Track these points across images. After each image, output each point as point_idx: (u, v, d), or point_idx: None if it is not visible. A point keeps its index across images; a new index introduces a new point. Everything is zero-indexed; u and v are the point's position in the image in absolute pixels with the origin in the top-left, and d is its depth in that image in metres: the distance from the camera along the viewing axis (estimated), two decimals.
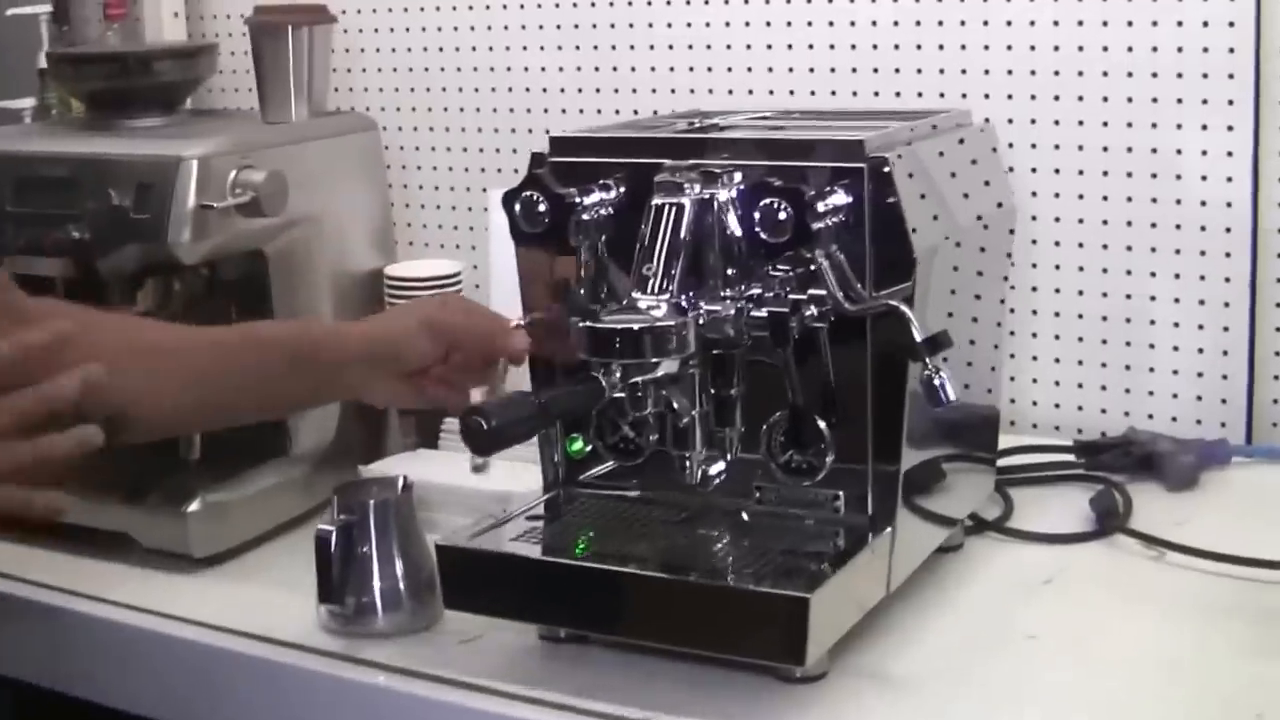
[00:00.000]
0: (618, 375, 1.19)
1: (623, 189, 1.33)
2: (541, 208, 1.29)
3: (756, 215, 1.20)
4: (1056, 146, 1.76)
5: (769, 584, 1.19)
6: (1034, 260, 1.79)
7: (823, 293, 1.25)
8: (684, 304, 1.23)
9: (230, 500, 1.59)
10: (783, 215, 1.19)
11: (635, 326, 1.19)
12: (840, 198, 1.23)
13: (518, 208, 1.30)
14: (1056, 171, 1.76)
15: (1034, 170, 1.77)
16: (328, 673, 1.33)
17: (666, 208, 1.25)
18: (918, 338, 1.18)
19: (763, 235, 1.20)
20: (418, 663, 1.31)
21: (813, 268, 1.24)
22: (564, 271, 1.34)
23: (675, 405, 1.25)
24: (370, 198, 1.82)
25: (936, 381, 1.18)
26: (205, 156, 1.54)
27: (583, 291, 1.30)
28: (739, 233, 1.25)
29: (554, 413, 1.16)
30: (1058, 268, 1.79)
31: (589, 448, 1.37)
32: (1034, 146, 1.76)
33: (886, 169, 1.24)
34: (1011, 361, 1.76)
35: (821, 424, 1.28)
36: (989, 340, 1.48)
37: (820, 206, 1.20)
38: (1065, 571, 1.44)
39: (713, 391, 1.31)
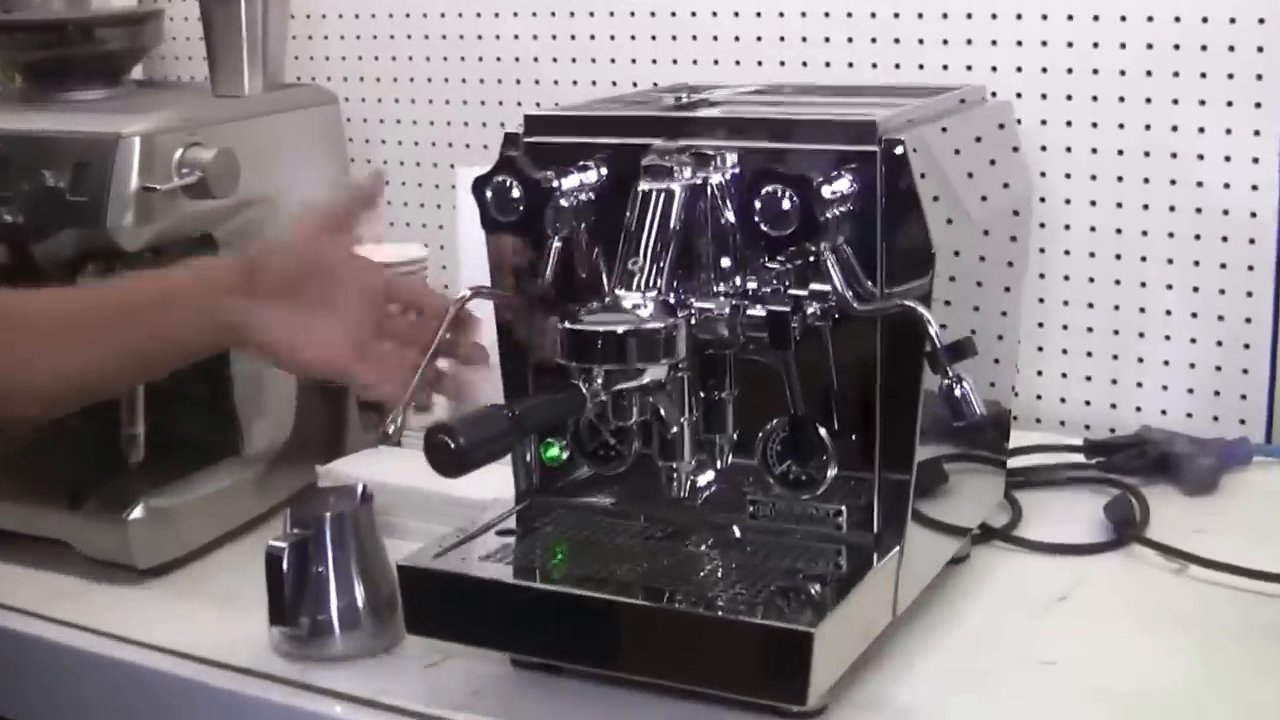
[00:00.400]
0: (599, 382, 1.07)
1: (604, 171, 1.21)
2: (515, 194, 1.16)
3: (757, 204, 1.08)
4: (1068, 123, 1.64)
5: (766, 615, 1.08)
6: (1041, 244, 1.67)
7: (826, 288, 1.13)
8: (673, 302, 1.11)
9: (176, 505, 1.47)
10: (787, 204, 1.07)
11: (619, 329, 1.07)
12: (850, 184, 1.11)
13: (489, 194, 1.17)
14: (1068, 150, 1.65)
15: (1043, 148, 1.65)
16: (280, 702, 1.21)
17: (654, 194, 1.13)
18: (938, 344, 1.06)
19: (764, 227, 1.08)
20: (378, 690, 1.20)
21: (813, 258, 1.12)
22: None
23: (662, 413, 1.13)
24: (329, 177, 1.68)
25: (959, 393, 1.06)
26: (148, 133, 1.41)
27: (546, 281, 1.18)
28: (734, 221, 1.14)
29: (529, 426, 1.04)
30: (1067, 253, 1.68)
31: (566, 454, 1.25)
32: (1044, 123, 1.65)
33: (900, 151, 1.12)
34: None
35: (823, 432, 1.17)
36: (1006, 334, 1.37)
37: (829, 194, 1.08)
38: (1081, 587, 1.33)
39: (701, 395, 1.19)
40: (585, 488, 1.30)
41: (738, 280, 1.16)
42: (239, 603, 1.33)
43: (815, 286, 1.14)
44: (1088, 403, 1.70)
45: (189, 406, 1.55)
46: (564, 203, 1.18)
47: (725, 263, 1.15)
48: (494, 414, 1.01)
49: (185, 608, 1.38)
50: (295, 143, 1.62)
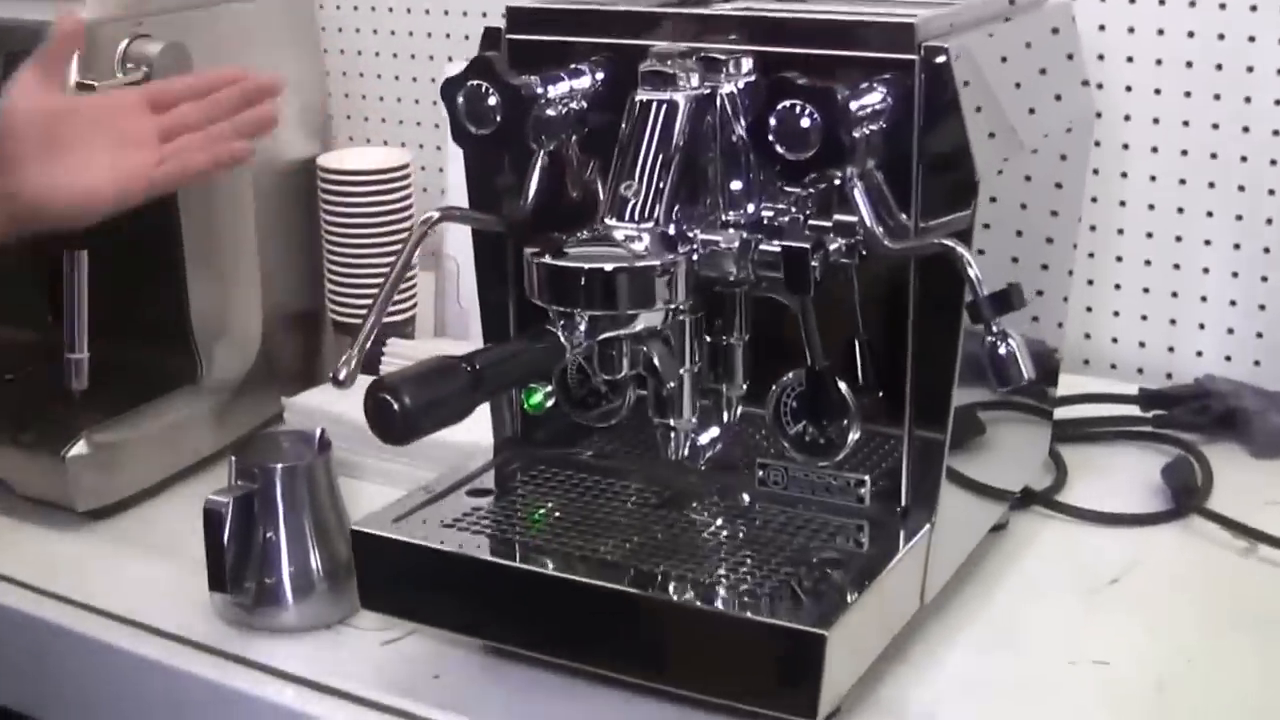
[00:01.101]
0: (583, 329, 0.91)
1: (600, 76, 1.04)
2: (491, 101, 0.99)
3: (773, 122, 0.90)
4: (1130, 29, 1.46)
5: (772, 610, 0.91)
6: (1096, 165, 1.49)
7: (853, 219, 0.96)
8: (674, 234, 0.94)
9: (123, 441, 1.32)
10: (806, 122, 0.90)
11: (608, 266, 0.90)
12: (882, 99, 0.93)
13: (461, 101, 1.00)
14: (1129, 60, 1.47)
15: (1101, 57, 1.47)
16: (213, 679, 1.06)
17: (654, 105, 0.96)
18: (981, 292, 0.89)
19: (779, 149, 0.91)
20: (327, 669, 1.06)
21: (838, 181, 0.95)
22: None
23: (657, 363, 0.96)
24: (301, 72, 1.51)
25: (1004, 351, 0.89)
26: (90, 23, 1.24)
27: (528, 204, 1.01)
28: (746, 138, 0.97)
29: (493, 384, 0.87)
30: (1124, 175, 1.51)
31: (550, 401, 1.09)
32: (1102, 29, 1.47)
33: (943, 60, 0.94)
34: None
35: (845, 389, 1.00)
36: (1062, 267, 1.20)
37: (857, 110, 0.91)
38: (1136, 567, 1.17)
39: (708, 339, 1.03)
40: (574, 438, 1.14)
41: (750, 208, 0.99)
42: (186, 553, 1.17)
43: (840, 217, 0.97)
44: (1142, 344, 1.54)
45: (141, 329, 1.40)
46: (551, 112, 1.02)
47: (736, 186, 0.99)
48: (449, 367, 0.84)
49: (125, 557, 1.23)
50: (260, 33, 1.45)
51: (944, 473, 1.00)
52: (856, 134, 0.92)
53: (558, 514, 1.05)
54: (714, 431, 1.04)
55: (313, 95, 1.54)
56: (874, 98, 0.94)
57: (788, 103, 0.89)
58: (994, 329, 0.89)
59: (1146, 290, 1.52)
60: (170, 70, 1.25)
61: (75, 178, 1.12)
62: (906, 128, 0.95)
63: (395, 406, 0.81)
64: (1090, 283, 1.54)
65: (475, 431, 1.14)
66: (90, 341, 1.33)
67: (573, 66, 1.04)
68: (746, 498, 1.06)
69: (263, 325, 1.44)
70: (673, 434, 1.01)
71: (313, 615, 1.10)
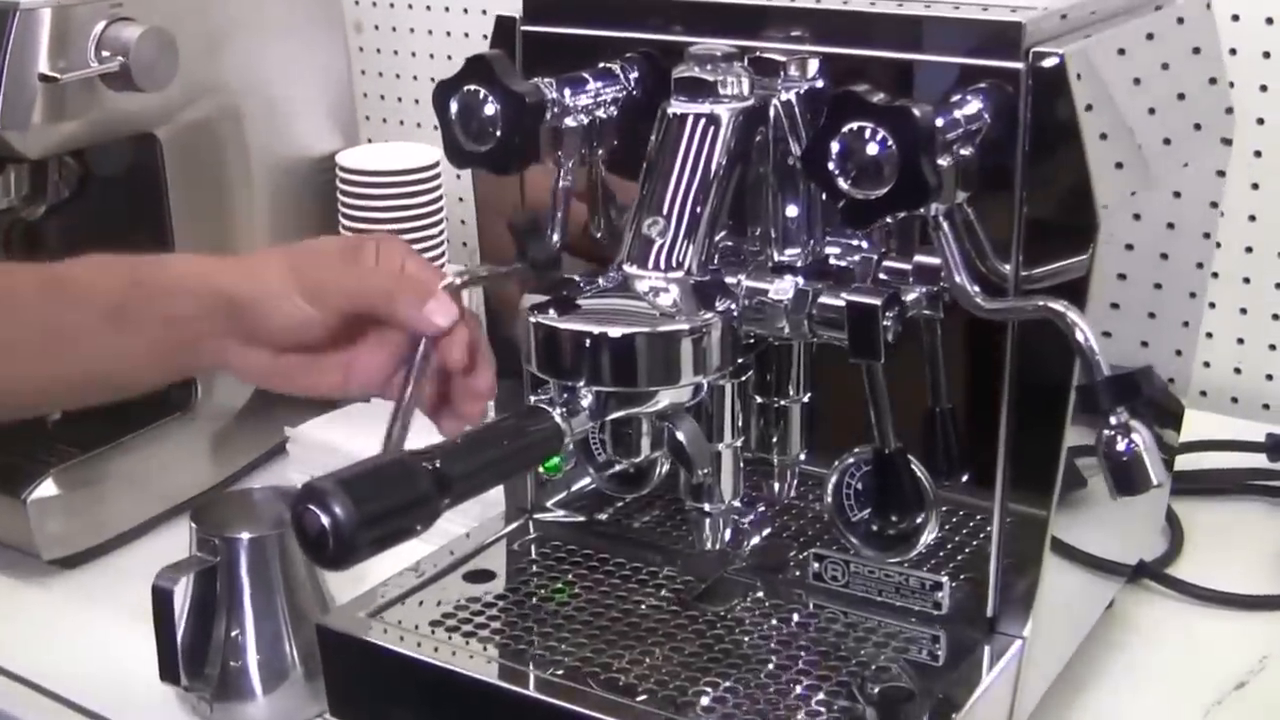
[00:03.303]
0: (586, 407, 0.72)
1: (634, 77, 0.86)
2: (490, 110, 0.80)
3: (835, 149, 0.71)
4: (1269, 20, 1.28)
5: None
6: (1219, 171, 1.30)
7: (936, 262, 0.77)
8: (712, 284, 0.76)
9: (100, 479, 1.18)
10: (876, 149, 0.70)
11: (618, 331, 0.72)
12: (978, 116, 0.74)
13: (455, 111, 0.81)
14: (1265, 55, 1.28)
15: (1233, 52, 1.28)
16: None
17: (690, 121, 0.78)
18: (1099, 372, 0.70)
19: (842, 184, 0.72)
20: None
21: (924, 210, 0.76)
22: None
23: (685, 444, 0.77)
24: (319, 59, 1.36)
25: (1124, 448, 0.70)
26: (61, 4, 1.08)
27: (554, 241, 0.83)
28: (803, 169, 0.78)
29: (462, 487, 0.68)
30: (1255, 187, 1.33)
31: (570, 464, 0.91)
32: (1235, 19, 1.28)
33: (1055, 65, 0.75)
34: None
35: (920, 474, 0.81)
36: (1185, 288, 1.01)
37: (944, 133, 0.72)
38: (1269, 665, 0.97)
39: (758, 400, 0.84)
40: (600, 504, 0.96)
41: (811, 243, 0.80)
42: None
43: (921, 259, 0.79)
44: (1269, 377, 1.36)
45: None
46: (570, 122, 0.83)
47: (793, 218, 0.80)
48: (408, 466, 0.65)
49: (91, 616, 1.09)
50: (272, 14, 1.28)
51: (1041, 579, 0.81)
52: (944, 161, 0.72)
53: (566, 611, 0.87)
54: (760, 510, 0.86)
55: (333, 83, 1.37)
56: (967, 114, 0.74)
57: (854, 125, 0.70)
58: (1114, 421, 0.69)
59: (1276, 317, 1.34)
60: (151, 60, 1.08)
61: (251, 369, 0.85)
62: (1008, 153, 0.76)
63: (325, 520, 0.62)
64: (1212, 305, 1.35)
65: None
66: None
67: (602, 66, 0.86)
68: (795, 598, 0.87)
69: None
70: (708, 520, 0.83)
71: (284, 710, 0.93)
